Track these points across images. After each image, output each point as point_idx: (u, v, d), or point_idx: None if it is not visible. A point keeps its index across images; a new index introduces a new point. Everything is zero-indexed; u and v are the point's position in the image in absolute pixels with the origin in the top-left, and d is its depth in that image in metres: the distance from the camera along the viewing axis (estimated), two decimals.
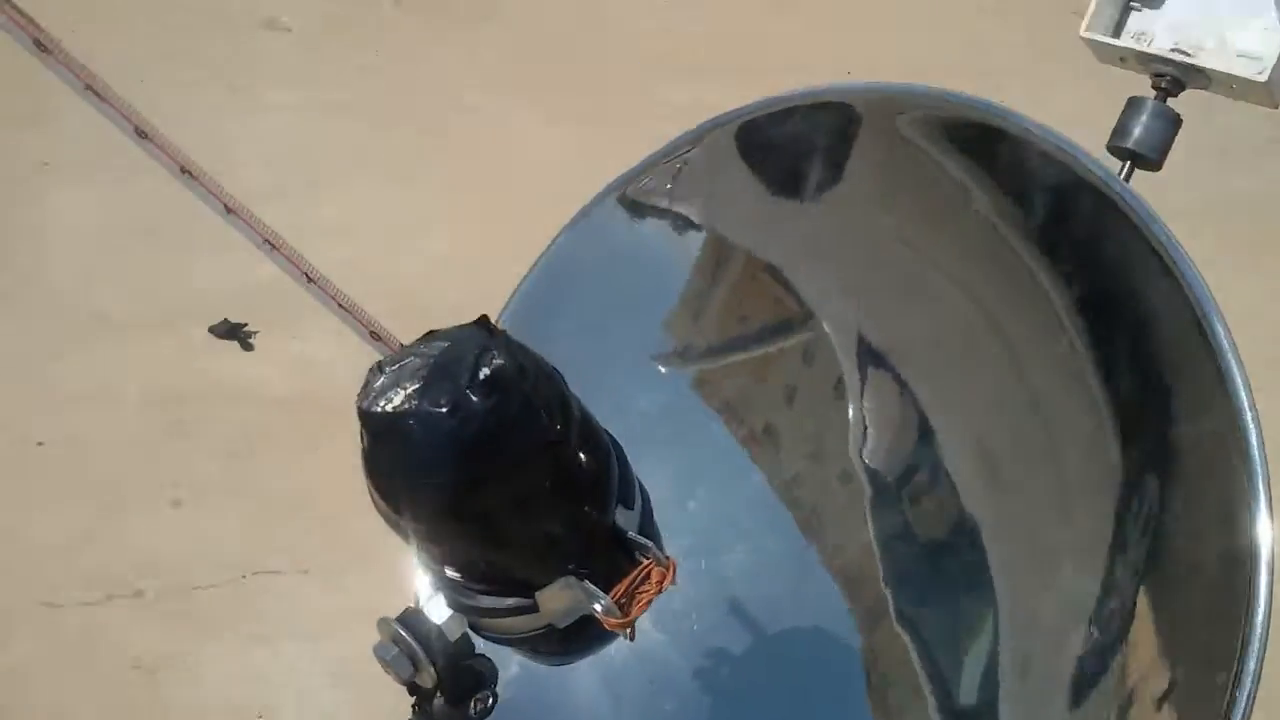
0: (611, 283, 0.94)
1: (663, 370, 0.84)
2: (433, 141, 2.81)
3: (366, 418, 0.60)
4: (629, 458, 0.66)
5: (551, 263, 0.94)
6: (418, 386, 0.59)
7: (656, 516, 0.67)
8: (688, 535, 0.82)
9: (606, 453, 0.65)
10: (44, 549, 1.88)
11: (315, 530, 1.93)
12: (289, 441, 2.12)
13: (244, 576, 1.85)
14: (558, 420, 0.61)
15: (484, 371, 0.59)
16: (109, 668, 1.70)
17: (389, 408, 0.59)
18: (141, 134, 0.67)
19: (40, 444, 2.06)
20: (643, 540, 0.64)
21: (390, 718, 0.68)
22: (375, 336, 0.66)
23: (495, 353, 0.60)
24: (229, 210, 0.72)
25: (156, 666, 1.72)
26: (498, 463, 0.59)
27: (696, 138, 0.95)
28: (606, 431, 0.67)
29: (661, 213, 0.93)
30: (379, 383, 0.60)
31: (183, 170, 0.69)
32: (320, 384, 2.26)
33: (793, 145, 0.89)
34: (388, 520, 0.62)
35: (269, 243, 0.72)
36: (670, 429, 0.78)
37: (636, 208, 0.94)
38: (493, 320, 0.64)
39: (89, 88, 0.65)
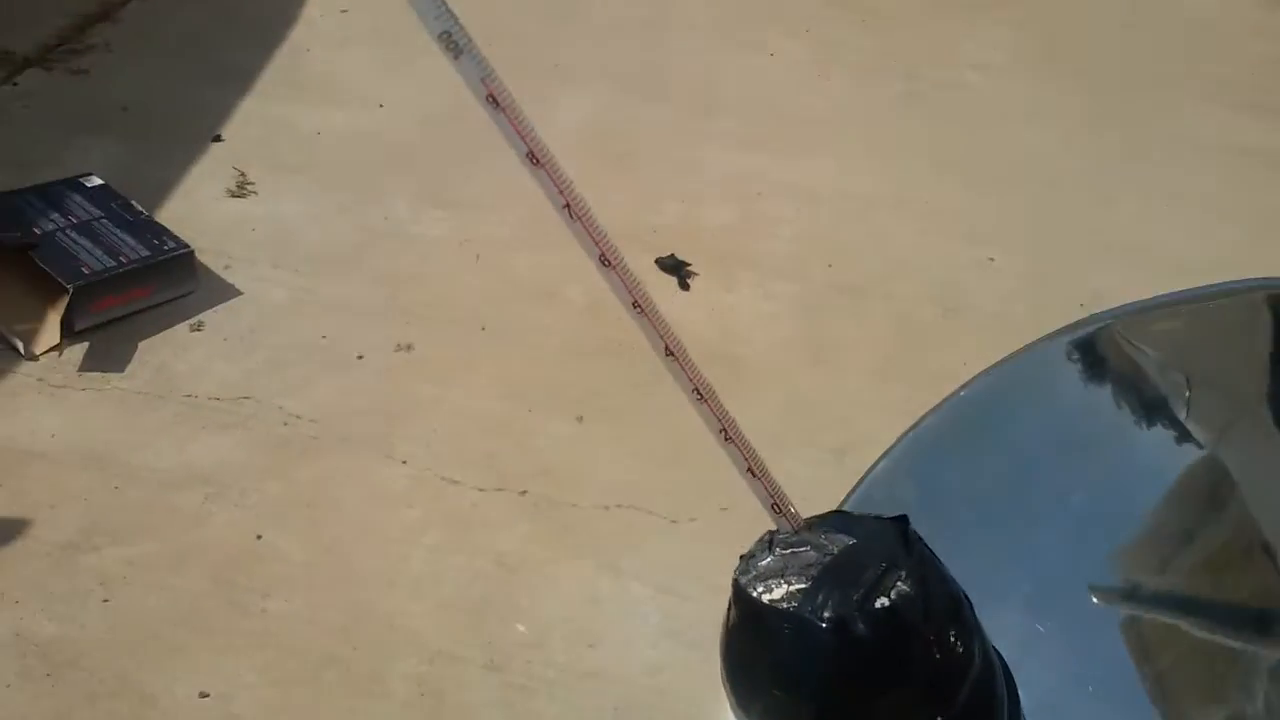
0: (1044, 461, 0.81)
1: (1094, 600, 0.71)
2: None
3: (740, 595, 0.54)
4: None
5: (974, 399, 0.82)
6: (804, 587, 0.52)
7: None
8: None
9: (998, 708, 0.56)
10: (469, 430, 2.03)
11: (689, 479, 1.95)
12: (682, 392, 2.14)
13: (609, 508, 1.90)
14: (954, 668, 0.52)
15: (882, 600, 0.51)
16: (475, 553, 1.82)
17: (766, 598, 0.53)
18: None
19: (483, 328, 2.22)
20: None
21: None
22: (776, 509, 0.59)
23: (903, 576, 0.52)
24: None
25: (518, 566, 1.81)
26: (868, 698, 0.51)
27: (1229, 291, 0.79)
28: (1003, 665, 0.57)
29: (1138, 380, 0.79)
30: (764, 562, 0.54)
31: None
32: (735, 338, 2.27)
33: None
34: (732, 701, 0.56)
35: None
36: (1077, 664, 0.66)
37: (1098, 359, 0.80)
38: (912, 525, 0.55)
39: None
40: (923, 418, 0.86)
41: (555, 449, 2.01)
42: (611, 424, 2.07)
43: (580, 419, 2.07)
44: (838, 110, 3.06)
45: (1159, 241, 2.61)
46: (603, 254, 0.59)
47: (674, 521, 1.89)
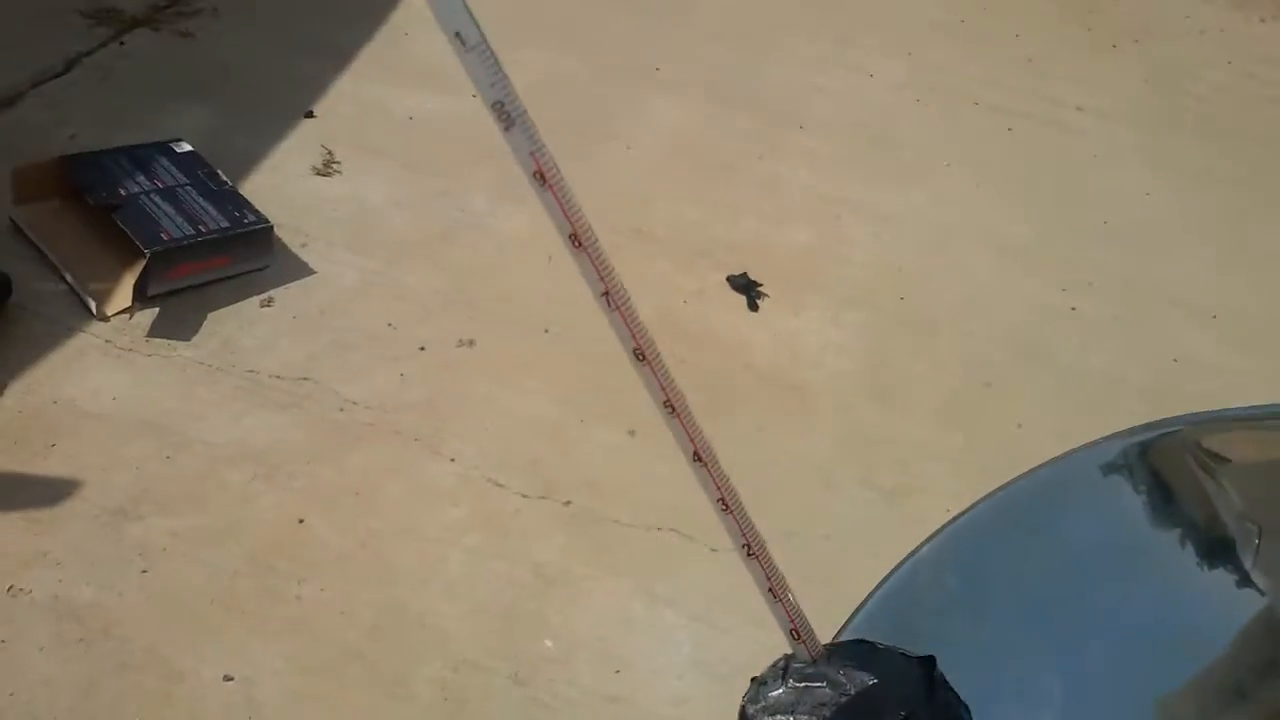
0: (1096, 567, 0.77)
1: None
2: None
3: None
4: None
5: (1032, 490, 0.78)
6: None
7: None
8: None
9: None
10: (520, 433, 2.02)
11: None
12: (745, 402, 2.11)
13: (650, 529, 1.88)
14: None
15: None
16: (513, 561, 1.81)
17: None
18: None
19: (546, 330, 2.21)
20: None
21: None
22: (795, 635, 0.56)
23: None
24: None
25: (554, 578, 1.80)
26: None
27: None
28: None
29: (1205, 504, 0.74)
30: (776, 693, 0.52)
31: None
32: (799, 364, 2.23)
33: None
34: None
35: None
36: None
37: (1164, 470, 0.76)
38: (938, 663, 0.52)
39: None
40: (976, 503, 0.82)
41: (604, 461, 2.00)
42: (663, 441, 2.02)
43: (632, 433, 2.04)
44: (932, 138, 2.99)
45: (1263, 313, 2.51)
46: (638, 347, 0.57)
47: (715, 550, 1.86)
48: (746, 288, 2.39)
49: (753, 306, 2.36)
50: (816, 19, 3.42)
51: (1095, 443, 0.88)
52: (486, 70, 0.49)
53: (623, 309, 0.55)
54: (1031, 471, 0.84)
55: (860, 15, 3.49)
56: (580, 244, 0.54)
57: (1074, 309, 2.49)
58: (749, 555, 0.58)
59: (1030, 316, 2.46)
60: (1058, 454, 0.94)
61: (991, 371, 2.30)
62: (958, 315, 2.43)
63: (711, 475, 0.57)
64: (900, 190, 2.77)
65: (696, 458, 0.57)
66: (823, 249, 2.55)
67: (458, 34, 0.47)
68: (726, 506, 0.57)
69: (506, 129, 0.51)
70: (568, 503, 1.91)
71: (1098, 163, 3.00)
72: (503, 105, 0.49)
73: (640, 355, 0.56)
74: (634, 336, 0.55)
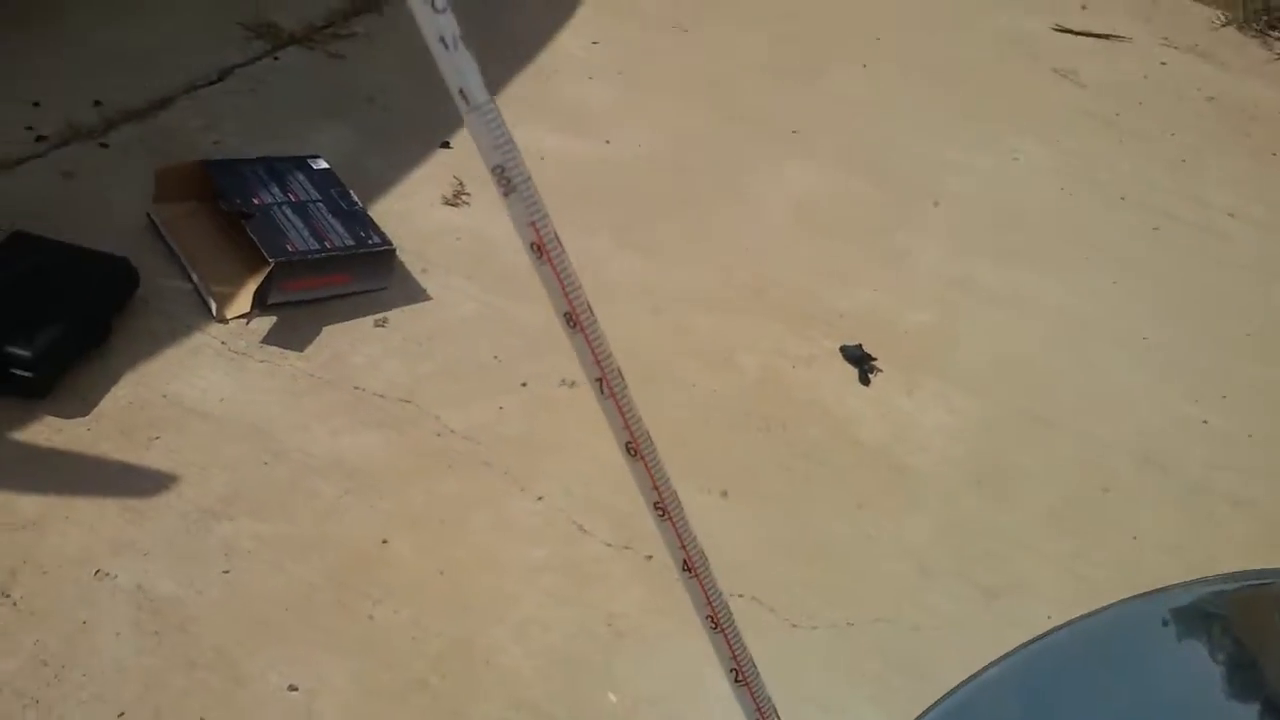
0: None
1: None
2: None
3: None
4: None
5: (1112, 624, 0.72)
6: None
7: None
8: None
9: None
10: (610, 480, 1.99)
11: (820, 582, 1.86)
12: (846, 477, 2.04)
13: (730, 596, 1.83)
14: None
15: None
16: (587, 608, 1.77)
17: None
18: None
19: (648, 380, 2.18)
20: None
21: None
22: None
23: None
24: None
25: (626, 631, 1.75)
26: None
27: None
28: None
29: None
30: None
31: None
32: (906, 446, 2.15)
33: None
34: None
35: None
36: None
37: (1259, 624, 0.69)
38: None
39: None
40: (1048, 632, 0.76)
41: (692, 519, 1.94)
42: (755, 505, 1.99)
43: (725, 494, 2.00)
44: (1073, 228, 2.89)
45: None
46: (631, 440, 0.53)
47: (795, 625, 1.79)
48: (860, 360, 2.32)
49: (864, 380, 2.29)
50: (965, 97, 3.36)
51: (1194, 583, 0.81)
52: (490, 132, 0.46)
53: (617, 397, 0.52)
54: (1120, 604, 0.77)
55: (1012, 97, 3.42)
56: (577, 324, 0.50)
57: (1206, 422, 2.36)
58: (737, 682, 0.53)
59: (1158, 425, 2.34)
60: (1168, 577, 0.86)
61: (1111, 477, 2.19)
62: (1081, 415, 2.32)
63: (703, 589, 0.53)
64: (1034, 278, 2.68)
65: (686, 568, 0.53)
66: (945, 330, 2.48)
67: (461, 91, 0.45)
68: (716, 624, 0.53)
69: (505, 194, 0.48)
70: (650, 557, 1.87)
71: (1245, 273, 2.86)
72: (503, 170, 0.46)
73: (632, 450, 0.52)
74: (629, 430, 0.52)
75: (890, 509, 2.04)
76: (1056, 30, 3.86)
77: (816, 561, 1.92)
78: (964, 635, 1.84)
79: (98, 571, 1.65)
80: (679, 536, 0.50)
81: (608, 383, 0.48)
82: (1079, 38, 3.84)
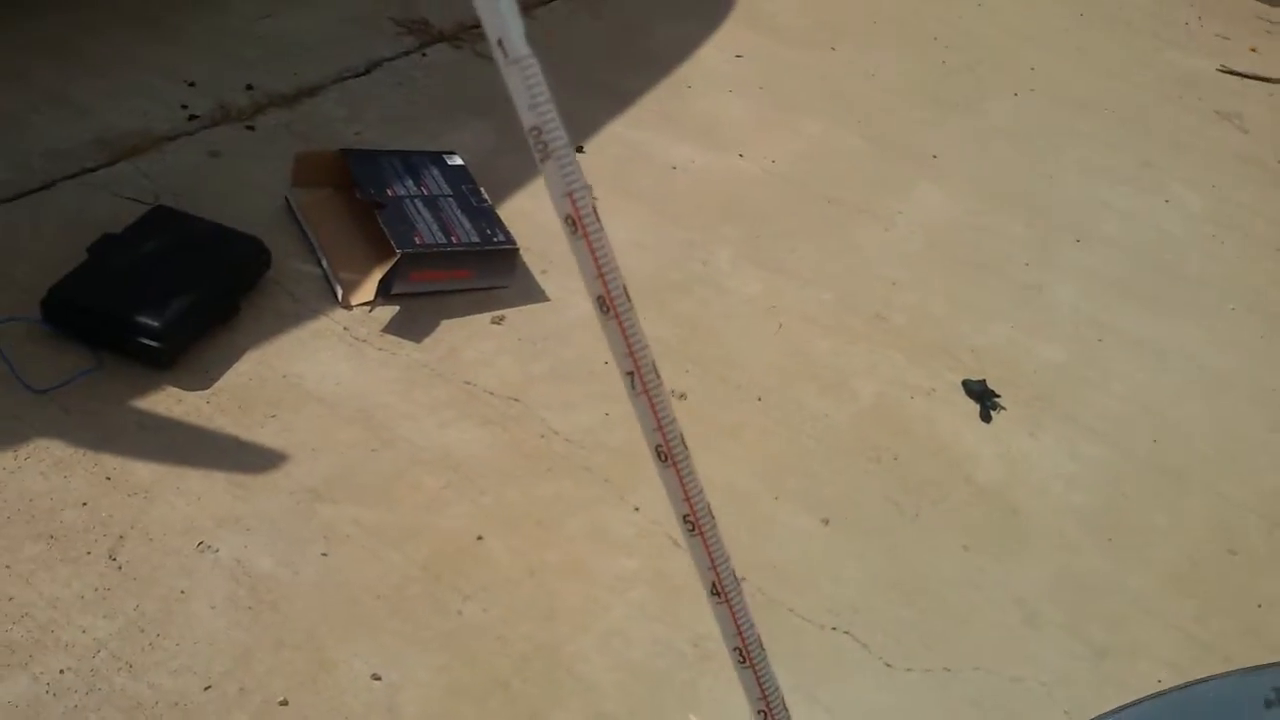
0: None
1: None
2: None
3: None
4: None
5: (1209, 698, 0.66)
6: None
7: None
8: None
9: None
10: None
11: (921, 622, 1.79)
12: (956, 515, 1.97)
13: (824, 627, 1.78)
14: None
15: None
16: (676, 625, 1.74)
17: None
18: None
19: (759, 399, 2.15)
20: None
21: None
22: None
23: None
24: None
25: (713, 654, 1.72)
26: None
27: None
28: None
29: None
30: None
31: None
32: (1022, 488, 2.07)
33: None
34: None
35: None
36: None
37: None
38: None
39: None
40: (1143, 699, 0.70)
41: (791, 544, 1.91)
42: (858, 536, 1.93)
43: (826, 521, 1.95)
44: (1221, 277, 2.75)
45: None
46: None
47: (890, 665, 1.73)
48: (982, 396, 2.24)
49: (985, 417, 2.21)
50: (1118, 133, 3.23)
51: None
52: (527, 88, 0.44)
53: (650, 393, 0.49)
54: (1224, 676, 0.71)
55: (1166, 136, 3.27)
56: (611, 309, 0.48)
57: None
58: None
59: None
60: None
61: (1240, 540, 2.06)
62: (1213, 472, 2.19)
63: (734, 615, 0.50)
64: (1175, 325, 2.55)
65: (715, 591, 0.50)
66: (1075, 372, 2.37)
67: (499, 42, 0.42)
68: (746, 658, 0.50)
69: (542, 160, 0.45)
70: (743, 579, 1.83)
71: None
72: (540, 132, 0.43)
73: (663, 455, 0.49)
74: (659, 429, 0.49)
75: (1000, 553, 1.96)
76: (1222, 71, 3.67)
77: (917, 600, 1.85)
78: (1067, 692, 1.75)
79: (200, 543, 1.70)
80: (709, 555, 0.47)
81: (640, 376, 0.46)
82: (1246, 80, 3.65)
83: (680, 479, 0.48)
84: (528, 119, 0.42)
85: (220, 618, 1.60)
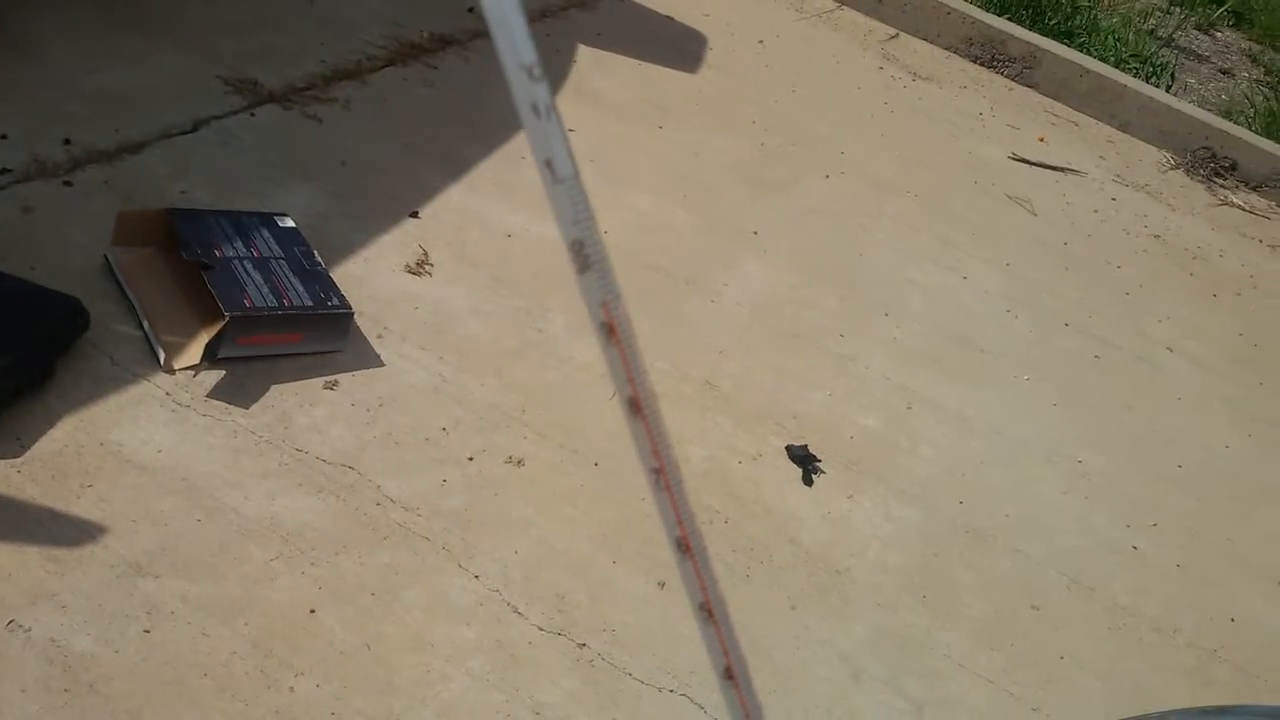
0: None
1: None
2: None
3: None
4: None
5: None
6: None
7: None
8: None
9: None
10: (549, 563, 1.98)
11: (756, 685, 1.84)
12: (782, 575, 2.04)
13: (662, 690, 1.81)
14: None
15: None
16: (515, 695, 1.74)
17: None
18: None
19: (596, 464, 2.18)
20: None
21: None
22: None
23: None
24: None
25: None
26: None
27: None
28: None
29: None
30: None
31: None
32: (842, 549, 2.16)
33: None
34: None
35: None
36: None
37: None
38: None
39: None
40: None
41: (629, 608, 1.94)
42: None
43: (662, 585, 1.99)
44: (1016, 349, 2.96)
45: None
46: (683, 537, 0.54)
47: None
48: (804, 460, 2.35)
49: (807, 481, 2.31)
50: (921, 215, 3.45)
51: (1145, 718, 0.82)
52: (573, 206, 0.47)
53: (673, 491, 0.53)
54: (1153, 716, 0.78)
55: (966, 220, 3.51)
56: (639, 412, 0.51)
57: (1135, 548, 2.41)
58: None
59: (1089, 547, 2.38)
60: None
61: (1041, 596, 2.21)
62: (1015, 532, 2.35)
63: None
64: (976, 394, 2.73)
65: (728, 675, 0.54)
66: (888, 438, 2.51)
67: (548, 162, 0.46)
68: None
69: (580, 271, 0.49)
70: (583, 645, 1.85)
71: (1181, 406, 2.94)
72: (582, 246, 0.47)
73: (683, 545, 0.53)
74: (680, 524, 0.53)
75: (824, 612, 2.05)
76: (1013, 159, 3.99)
77: (749, 660, 1.90)
78: None
79: (11, 622, 1.60)
80: (722, 642, 0.50)
81: (664, 473, 0.48)
82: (1035, 168, 3.97)
83: (698, 571, 0.51)
84: (570, 233, 0.44)
85: (32, 702, 1.51)
